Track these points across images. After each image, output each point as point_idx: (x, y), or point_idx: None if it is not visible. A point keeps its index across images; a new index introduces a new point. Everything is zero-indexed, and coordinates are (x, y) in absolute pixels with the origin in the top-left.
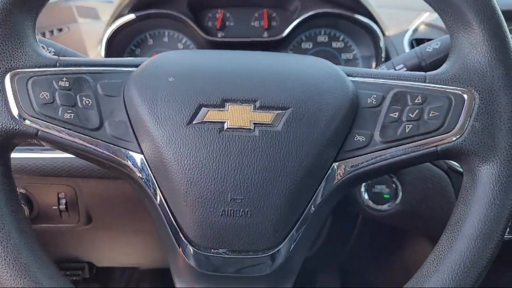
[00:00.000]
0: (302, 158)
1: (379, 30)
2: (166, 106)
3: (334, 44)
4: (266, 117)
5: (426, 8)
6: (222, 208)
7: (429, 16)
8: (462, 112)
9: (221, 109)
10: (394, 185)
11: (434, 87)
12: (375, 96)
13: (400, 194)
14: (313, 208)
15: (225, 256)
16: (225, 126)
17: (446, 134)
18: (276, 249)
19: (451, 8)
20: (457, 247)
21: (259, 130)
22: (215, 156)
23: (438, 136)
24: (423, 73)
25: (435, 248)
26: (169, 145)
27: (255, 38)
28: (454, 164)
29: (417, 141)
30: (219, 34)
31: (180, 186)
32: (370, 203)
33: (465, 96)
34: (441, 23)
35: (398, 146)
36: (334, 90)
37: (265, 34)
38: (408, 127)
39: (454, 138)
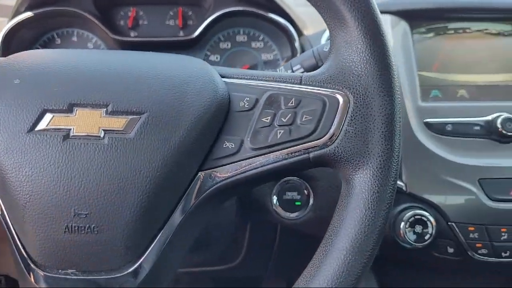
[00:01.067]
0: (157, 167)
1: (294, 30)
2: (6, 111)
3: (253, 44)
4: (118, 123)
5: None
6: (66, 224)
7: None
8: (336, 116)
9: (67, 115)
10: (306, 192)
11: (309, 89)
12: (248, 99)
13: (311, 201)
14: (177, 221)
15: (75, 277)
16: (71, 133)
17: (318, 140)
18: (136, 265)
19: (326, 3)
20: (330, 261)
21: (109, 137)
22: (58, 167)
23: (311, 142)
24: (299, 74)
25: (311, 261)
26: (7, 154)
27: (170, 38)
28: None
29: (289, 147)
30: (132, 34)
31: (19, 200)
32: (281, 210)
33: (340, 98)
34: None
35: (268, 153)
36: (200, 92)
37: (181, 34)
38: (280, 132)
39: (327, 145)
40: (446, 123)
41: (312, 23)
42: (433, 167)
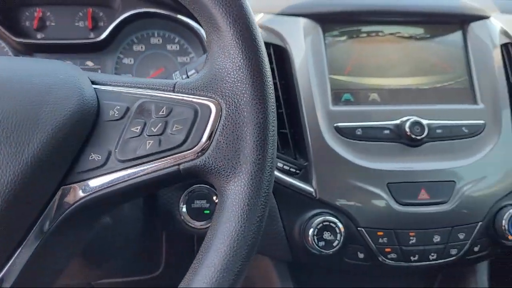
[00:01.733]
0: (6, 184)
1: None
2: None
3: (169, 47)
4: None
5: (264, 8)
6: None
7: (263, 17)
8: (208, 125)
9: None
10: (215, 200)
11: (182, 97)
12: (118, 107)
13: None
14: (35, 241)
15: None
16: None
17: (189, 151)
18: None
19: (199, 7)
20: (198, 278)
21: None
22: None
23: (181, 153)
24: (173, 81)
25: (184, 278)
26: None
27: (79, 40)
28: (281, 176)
29: (158, 159)
30: (39, 36)
31: None
32: (189, 219)
33: (212, 107)
34: (274, 24)
35: (136, 166)
36: (62, 101)
37: (91, 35)
38: (149, 143)
39: (197, 155)
40: (356, 128)
41: None
42: (343, 172)
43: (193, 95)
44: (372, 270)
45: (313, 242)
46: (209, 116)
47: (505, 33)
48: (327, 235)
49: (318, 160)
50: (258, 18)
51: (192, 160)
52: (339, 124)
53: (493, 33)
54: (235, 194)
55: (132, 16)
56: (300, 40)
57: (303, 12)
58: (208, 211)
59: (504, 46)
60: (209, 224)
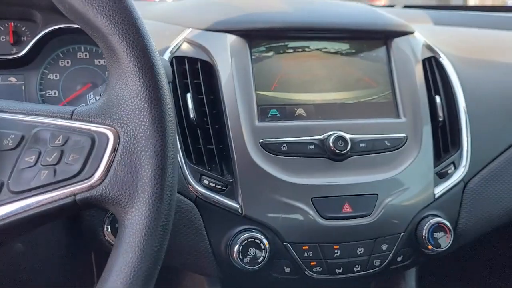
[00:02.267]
0: None
1: None
2: None
3: (96, 62)
4: None
5: (192, 24)
6: None
7: (191, 32)
8: (105, 154)
9: None
10: None
11: (79, 125)
12: (13, 136)
13: None
14: None
15: None
16: None
17: (85, 181)
18: None
19: (95, 32)
20: None
21: None
22: None
23: (77, 184)
24: (70, 108)
25: None
26: None
27: (0, 56)
28: (206, 193)
29: (52, 190)
30: None
31: None
32: (112, 238)
33: (110, 135)
34: (201, 40)
35: (30, 197)
36: None
37: (14, 50)
38: (43, 173)
39: (94, 186)
40: (281, 143)
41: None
42: (268, 188)
43: (91, 123)
44: (300, 283)
45: (238, 259)
46: (107, 145)
47: (428, 47)
48: (252, 251)
49: (243, 176)
50: (186, 34)
51: (88, 190)
52: (265, 140)
53: (416, 48)
54: (132, 224)
55: (56, 31)
56: (227, 56)
57: (230, 28)
58: None
59: (427, 60)
60: None
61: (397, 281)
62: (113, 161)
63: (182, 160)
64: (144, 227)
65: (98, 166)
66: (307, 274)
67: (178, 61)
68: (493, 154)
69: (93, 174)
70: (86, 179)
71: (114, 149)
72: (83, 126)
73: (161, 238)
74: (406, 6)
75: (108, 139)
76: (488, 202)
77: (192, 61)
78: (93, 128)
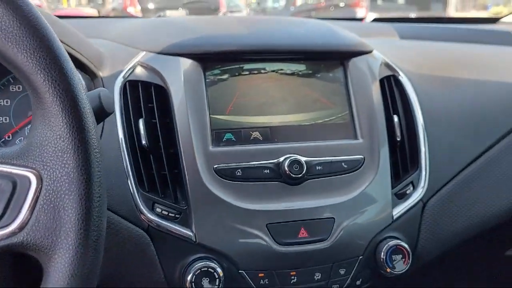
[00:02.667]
0: None
1: (84, 72)
2: None
3: None
4: None
5: (146, 47)
6: None
7: (145, 55)
8: (27, 199)
9: None
10: None
11: (1, 167)
12: None
13: None
14: None
15: None
16: None
17: (5, 228)
18: None
19: (18, 70)
20: None
21: None
22: None
23: None
24: None
25: None
26: None
27: None
28: (159, 221)
29: None
30: None
31: None
32: None
33: (32, 178)
34: (154, 64)
35: None
36: None
37: None
38: None
39: (15, 232)
40: (235, 169)
41: (108, 63)
42: (223, 215)
43: (12, 165)
44: None
45: None
46: (29, 189)
47: (387, 65)
48: (206, 281)
49: (197, 203)
50: (140, 57)
51: (9, 237)
52: (219, 165)
53: (374, 67)
54: (55, 271)
55: None
56: (180, 80)
57: (183, 51)
58: None
59: (386, 79)
60: None
61: None
62: (35, 206)
63: (134, 188)
64: (68, 274)
65: (20, 212)
66: None
67: (132, 85)
68: (452, 172)
69: (14, 220)
70: (6, 225)
71: (37, 193)
72: (4, 169)
73: (87, 285)
74: (375, 20)
75: (30, 182)
76: (447, 221)
77: (146, 85)
78: (14, 171)
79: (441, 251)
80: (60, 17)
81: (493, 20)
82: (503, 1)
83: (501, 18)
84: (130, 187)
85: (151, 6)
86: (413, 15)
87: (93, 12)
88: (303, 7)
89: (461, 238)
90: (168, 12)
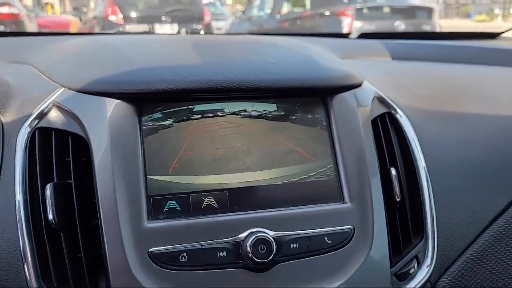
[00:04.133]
0: None
1: None
2: None
3: None
4: None
5: (65, 81)
6: None
7: (63, 93)
8: None
9: None
10: None
11: None
12: None
13: None
14: None
15: None
16: None
17: None
18: None
19: None
20: None
21: None
22: None
23: None
24: None
25: None
26: None
27: None
28: None
29: None
30: None
31: None
32: None
33: None
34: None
35: None
36: None
37: None
38: None
39: None
40: (180, 252)
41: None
42: None
43: None
44: None
45: None
46: None
47: (381, 100)
48: None
49: None
50: (56, 95)
51: None
52: (156, 248)
53: (365, 104)
54: None
55: None
56: (104, 127)
57: (110, 89)
58: None
59: (380, 119)
60: None
61: None
62: None
63: (33, 279)
64: None
65: None
66: None
67: (42, 134)
68: (467, 240)
69: None
70: None
71: None
72: None
73: None
74: (362, 35)
75: None
76: None
77: (61, 134)
78: None
79: None
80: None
81: (493, 35)
82: (484, 10)
83: (501, 33)
84: (27, 277)
85: (133, 14)
86: (399, 24)
87: (73, 20)
88: (289, 16)
89: None
90: (128, 27)
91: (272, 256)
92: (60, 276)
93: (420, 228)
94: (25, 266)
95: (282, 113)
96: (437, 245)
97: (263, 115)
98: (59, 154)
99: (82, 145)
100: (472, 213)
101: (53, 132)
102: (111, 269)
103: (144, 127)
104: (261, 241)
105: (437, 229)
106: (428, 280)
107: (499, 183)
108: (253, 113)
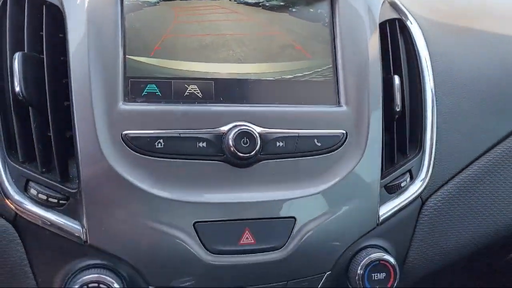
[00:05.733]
0: None
1: None
2: None
3: None
4: None
5: None
6: None
7: None
8: None
9: None
10: None
11: None
12: None
13: None
14: None
15: None
16: None
17: None
18: None
19: None
20: None
21: None
22: None
23: None
24: None
25: None
26: None
27: None
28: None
29: None
30: None
31: None
32: None
33: None
34: None
35: None
36: None
37: None
38: None
39: None
40: (156, 138)
41: None
42: (129, 205)
43: None
44: None
45: None
46: None
47: (393, 5)
48: None
49: (92, 186)
50: None
51: None
52: (130, 132)
53: (373, 5)
54: None
55: None
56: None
57: None
58: None
59: (389, 24)
60: None
61: None
62: None
63: None
64: None
65: None
66: None
67: (15, 1)
68: (462, 162)
69: None
70: None
71: None
72: None
73: None
74: None
75: None
76: (452, 228)
77: (34, 2)
78: None
79: (437, 267)
80: None
81: None
82: None
83: None
84: None
85: None
86: None
87: None
88: None
89: (467, 251)
90: None
91: (255, 151)
92: (27, 152)
93: (417, 143)
94: None
95: (282, 3)
96: (433, 161)
97: (260, 4)
98: (33, 26)
99: (59, 21)
100: (474, 135)
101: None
102: (81, 151)
103: (126, 2)
104: (245, 134)
105: (435, 146)
106: (419, 196)
107: (506, 108)
108: (250, 0)
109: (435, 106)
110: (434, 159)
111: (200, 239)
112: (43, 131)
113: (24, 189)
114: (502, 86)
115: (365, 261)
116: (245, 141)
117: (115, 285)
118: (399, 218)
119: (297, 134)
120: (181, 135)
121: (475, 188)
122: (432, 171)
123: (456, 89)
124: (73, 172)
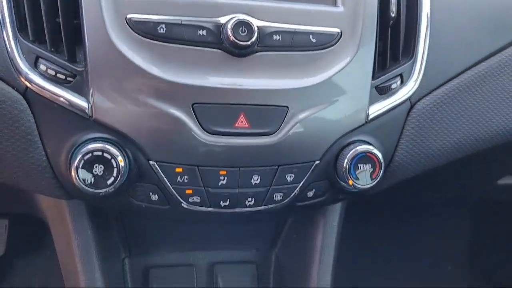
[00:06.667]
0: None
1: None
2: None
3: None
4: None
5: None
6: None
7: None
8: None
9: None
10: None
11: None
12: None
13: None
14: None
15: None
16: None
17: None
18: None
19: None
20: None
21: None
22: None
23: None
24: None
25: None
26: None
27: None
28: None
29: None
30: None
31: None
32: None
33: None
34: None
35: None
36: None
37: None
38: None
39: None
40: (158, 23)
41: None
42: (133, 84)
43: None
44: (174, 215)
45: (77, 177)
46: None
47: None
48: (98, 169)
49: (98, 65)
50: None
51: None
52: (134, 15)
53: None
54: None
55: None
56: None
57: None
58: None
59: None
60: None
61: (315, 218)
62: None
63: (10, 33)
64: None
65: None
66: (183, 205)
67: None
68: (456, 70)
69: None
70: None
71: None
72: None
73: None
74: None
75: None
76: (438, 132)
77: None
78: None
79: (422, 169)
80: None
81: None
82: None
83: None
84: (4, 32)
85: None
86: None
87: None
88: None
89: (450, 156)
90: None
91: (252, 41)
92: (37, 33)
93: (410, 50)
94: (2, 20)
95: None
96: (425, 67)
97: None
98: None
99: None
100: (468, 46)
101: None
102: (88, 33)
103: None
104: (243, 24)
105: (428, 53)
106: (408, 99)
107: (502, 24)
108: None
109: (429, 15)
110: (426, 65)
111: (197, 119)
112: (53, 16)
113: (34, 65)
114: (498, 5)
115: (352, 152)
116: (242, 30)
117: (119, 157)
118: (388, 119)
119: (293, 30)
120: (183, 22)
121: (465, 95)
122: (423, 76)
123: (454, 4)
124: (80, 57)
